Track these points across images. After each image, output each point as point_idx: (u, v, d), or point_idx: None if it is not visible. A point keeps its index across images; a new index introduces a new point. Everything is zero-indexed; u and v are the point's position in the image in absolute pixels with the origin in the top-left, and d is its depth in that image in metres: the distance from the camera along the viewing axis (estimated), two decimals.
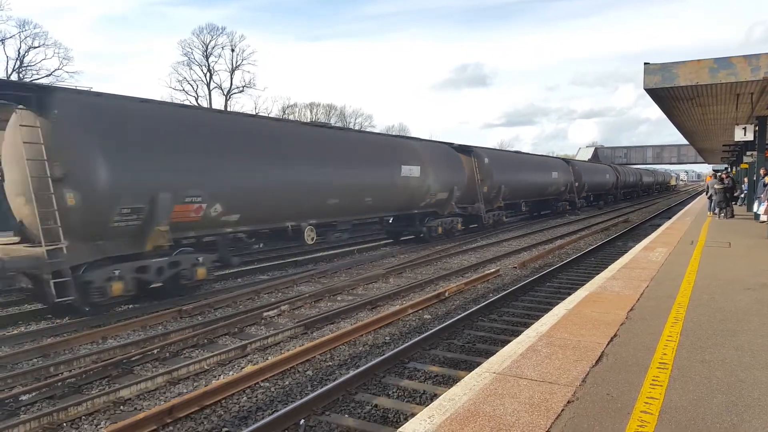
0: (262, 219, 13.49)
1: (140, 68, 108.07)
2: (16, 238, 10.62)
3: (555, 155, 58.50)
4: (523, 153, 34.98)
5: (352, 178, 15.97)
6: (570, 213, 36.94)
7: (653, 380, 4.39)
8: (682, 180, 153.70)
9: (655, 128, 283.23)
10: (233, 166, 12.07)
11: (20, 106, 9.61)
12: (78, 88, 10.61)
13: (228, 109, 52.02)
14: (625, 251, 13.61)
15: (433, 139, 25.96)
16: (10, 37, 46.89)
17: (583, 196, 40.26)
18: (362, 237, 22.96)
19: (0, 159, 10.64)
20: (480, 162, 24.01)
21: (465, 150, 24.17)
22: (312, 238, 14.75)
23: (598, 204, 46.43)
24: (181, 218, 11.09)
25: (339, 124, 69.58)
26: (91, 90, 10.65)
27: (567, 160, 39.52)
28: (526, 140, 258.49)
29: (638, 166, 78.35)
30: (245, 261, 16.73)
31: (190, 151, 11.30)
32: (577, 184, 37.64)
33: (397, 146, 19.27)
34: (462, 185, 22.07)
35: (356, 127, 65.52)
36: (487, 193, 24.63)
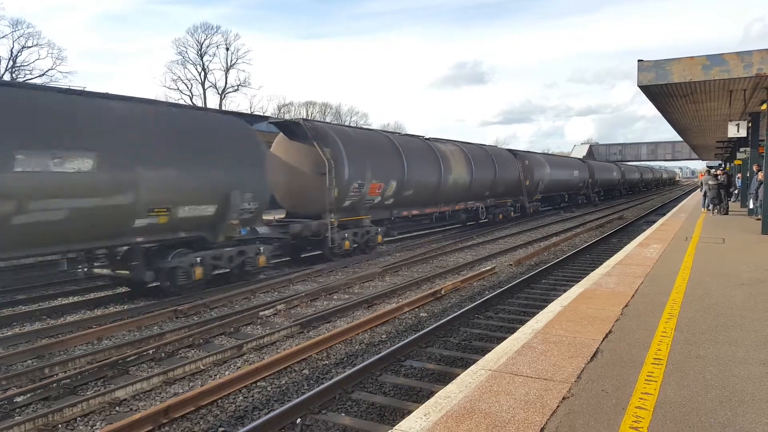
0: None
1: (137, 66, 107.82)
2: None
3: (550, 152, 57.38)
4: (432, 139, 22.05)
5: None
6: (518, 221, 28.25)
7: (648, 376, 4.41)
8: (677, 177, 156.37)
9: (651, 125, 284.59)
10: None
11: None
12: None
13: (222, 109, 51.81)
14: (620, 248, 13.65)
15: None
16: (3, 37, 46.71)
17: (537, 199, 31.88)
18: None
19: None
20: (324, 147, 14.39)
21: (287, 127, 14.97)
22: None
23: (561, 207, 37.89)
24: None
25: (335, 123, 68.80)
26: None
27: (514, 151, 29.68)
28: (523, 138, 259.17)
29: (632, 163, 77.91)
30: None
31: None
32: (528, 182, 29.00)
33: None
34: (258, 187, 12.41)
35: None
36: (339, 201, 15.06)
